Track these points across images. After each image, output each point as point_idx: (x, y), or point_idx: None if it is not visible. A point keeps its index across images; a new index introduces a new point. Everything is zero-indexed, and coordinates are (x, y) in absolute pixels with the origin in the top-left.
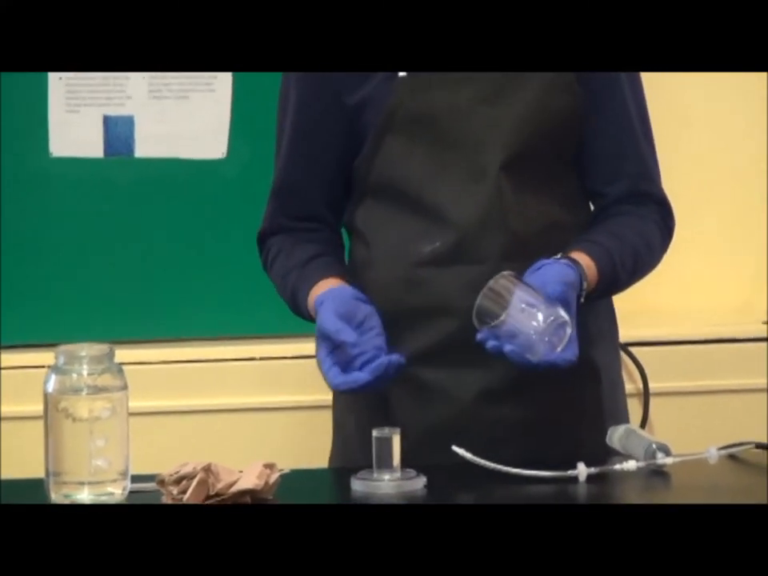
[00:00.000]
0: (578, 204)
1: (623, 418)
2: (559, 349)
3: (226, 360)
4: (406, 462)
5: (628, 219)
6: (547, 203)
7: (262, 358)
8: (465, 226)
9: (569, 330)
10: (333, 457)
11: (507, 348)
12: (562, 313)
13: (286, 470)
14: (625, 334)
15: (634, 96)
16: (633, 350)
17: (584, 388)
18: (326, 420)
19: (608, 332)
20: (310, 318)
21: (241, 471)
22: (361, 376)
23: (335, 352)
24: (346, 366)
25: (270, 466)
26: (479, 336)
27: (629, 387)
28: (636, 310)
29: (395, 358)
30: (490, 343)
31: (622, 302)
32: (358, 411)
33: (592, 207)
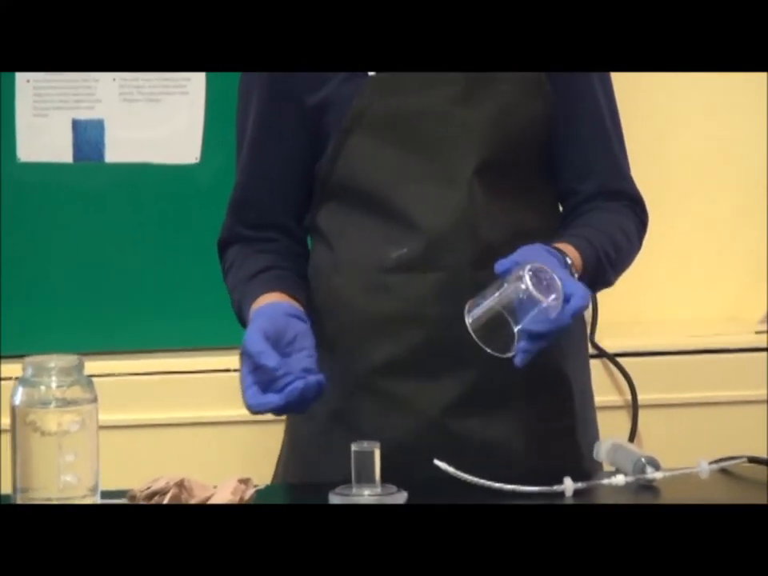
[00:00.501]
0: (550, 211)
1: (593, 430)
2: (553, 297)
3: (199, 372)
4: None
5: (602, 213)
6: (519, 210)
7: (236, 370)
8: (434, 232)
9: (551, 274)
10: (284, 465)
11: (537, 328)
12: (528, 266)
13: (262, 486)
14: (612, 345)
15: (605, 94)
16: (621, 360)
17: (557, 400)
18: None
19: (578, 344)
20: None
21: (215, 486)
22: (274, 399)
23: (257, 371)
24: (267, 386)
25: (244, 481)
26: (517, 359)
27: (617, 399)
28: (624, 321)
29: (313, 380)
30: (522, 345)
31: (609, 312)
32: (316, 419)
33: (561, 209)
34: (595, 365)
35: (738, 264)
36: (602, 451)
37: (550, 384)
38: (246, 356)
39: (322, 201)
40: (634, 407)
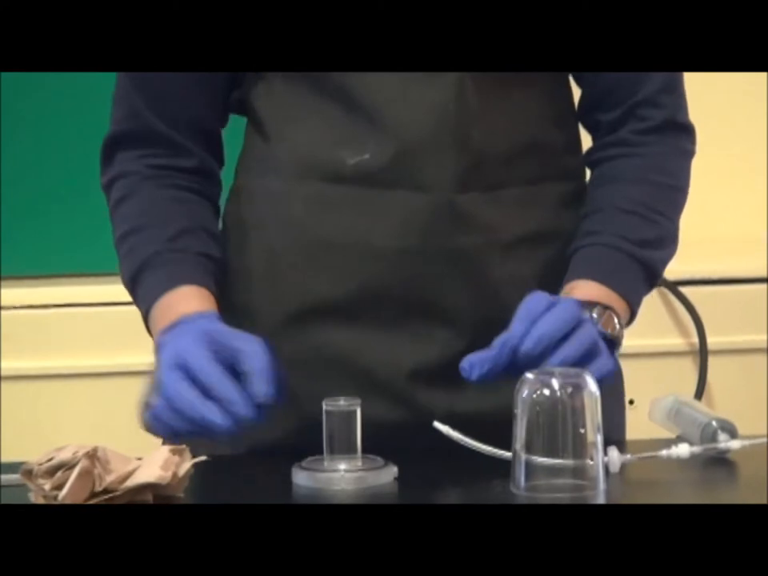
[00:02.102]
0: (567, 119)
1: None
2: None
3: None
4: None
5: (629, 167)
6: (524, 114)
7: None
8: (407, 136)
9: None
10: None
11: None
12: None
13: (203, 457)
14: (672, 269)
15: None
16: (685, 291)
17: None
18: None
19: None
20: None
21: (140, 459)
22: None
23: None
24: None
25: (178, 452)
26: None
27: (679, 343)
28: (685, 239)
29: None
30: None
31: None
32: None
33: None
34: (652, 297)
35: None
36: (659, 412)
37: None
38: (179, 369)
39: (263, 76)
40: (703, 354)
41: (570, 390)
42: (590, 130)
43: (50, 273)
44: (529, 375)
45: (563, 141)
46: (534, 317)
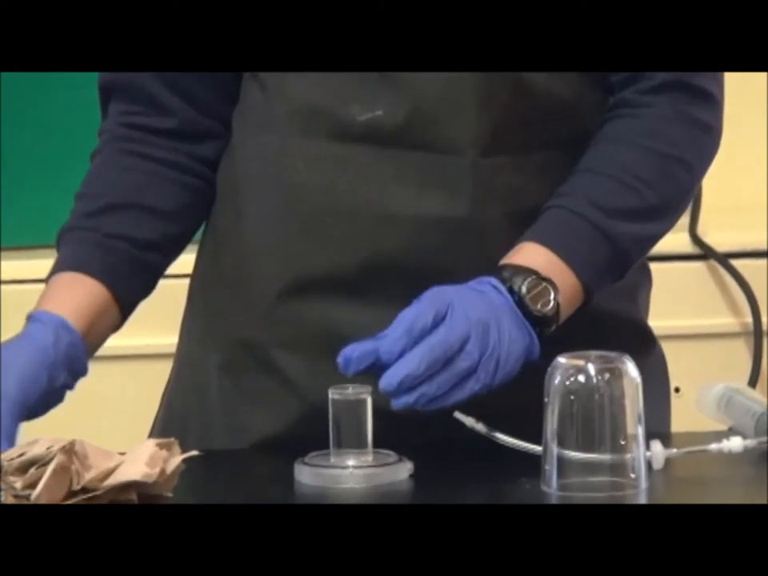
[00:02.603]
0: (595, 78)
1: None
2: None
3: None
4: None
5: (626, 128)
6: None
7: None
8: (426, 90)
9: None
10: (167, 420)
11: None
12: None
13: (194, 452)
14: (721, 240)
15: None
16: (736, 264)
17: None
18: None
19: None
20: None
21: (123, 453)
22: None
23: None
24: None
25: (167, 446)
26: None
27: (731, 323)
28: (729, 206)
29: None
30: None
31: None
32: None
33: None
34: (698, 271)
35: None
36: (708, 401)
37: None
38: None
39: None
40: (757, 335)
41: (607, 375)
42: (606, 93)
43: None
44: (561, 359)
45: (596, 102)
46: (411, 336)
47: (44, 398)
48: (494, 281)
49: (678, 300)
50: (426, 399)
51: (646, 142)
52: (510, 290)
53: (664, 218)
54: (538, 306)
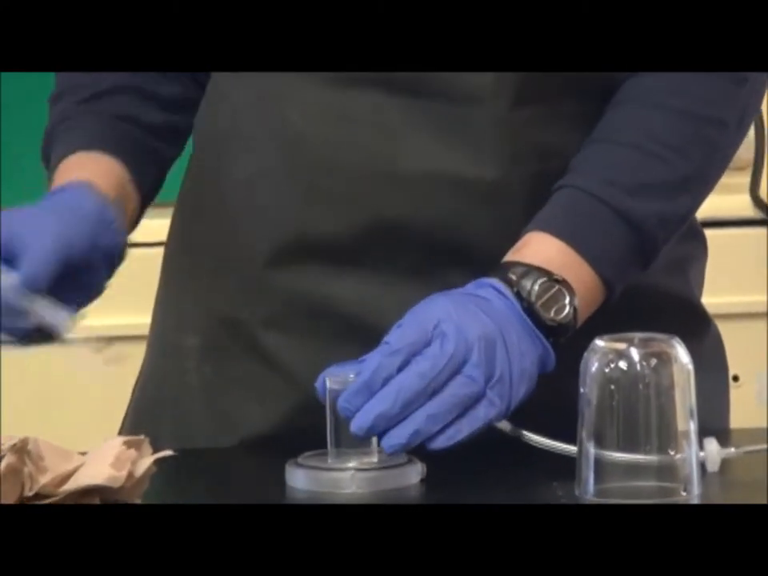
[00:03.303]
0: None
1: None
2: None
3: None
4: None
5: (649, 86)
6: None
7: None
8: None
9: None
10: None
11: None
12: None
13: (168, 452)
14: None
15: None
16: None
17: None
18: None
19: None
20: None
21: (84, 453)
22: None
23: None
24: None
25: (136, 445)
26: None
27: None
28: None
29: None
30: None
31: None
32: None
33: None
34: (761, 238)
35: None
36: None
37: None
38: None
39: None
40: None
41: (654, 361)
42: None
43: None
44: (599, 342)
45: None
46: (372, 391)
47: (85, 265)
48: (498, 283)
49: (737, 273)
50: (423, 437)
51: (674, 101)
52: (518, 295)
53: (698, 191)
54: (552, 314)
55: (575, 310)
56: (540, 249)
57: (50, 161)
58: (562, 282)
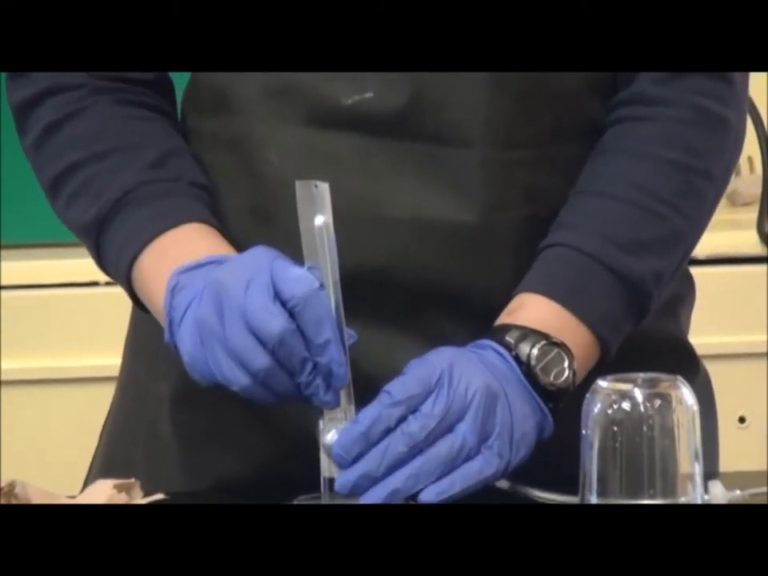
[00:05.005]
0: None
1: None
2: None
3: None
4: None
5: (639, 134)
6: None
7: None
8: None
9: None
10: (108, 457)
11: None
12: None
13: (160, 495)
14: None
15: None
16: None
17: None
18: None
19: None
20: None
21: (72, 497)
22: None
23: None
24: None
25: (126, 488)
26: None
27: None
28: None
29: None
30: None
31: None
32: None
33: None
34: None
35: None
36: None
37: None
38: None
39: None
40: None
41: (658, 402)
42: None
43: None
44: (602, 383)
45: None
46: (369, 443)
47: None
48: (497, 345)
49: (744, 311)
50: (404, 495)
51: (662, 152)
52: (516, 358)
53: (689, 244)
54: (551, 378)
55: (574, 373)
56: (536, 311)
57: (105, 238)
58: (561, 346)
